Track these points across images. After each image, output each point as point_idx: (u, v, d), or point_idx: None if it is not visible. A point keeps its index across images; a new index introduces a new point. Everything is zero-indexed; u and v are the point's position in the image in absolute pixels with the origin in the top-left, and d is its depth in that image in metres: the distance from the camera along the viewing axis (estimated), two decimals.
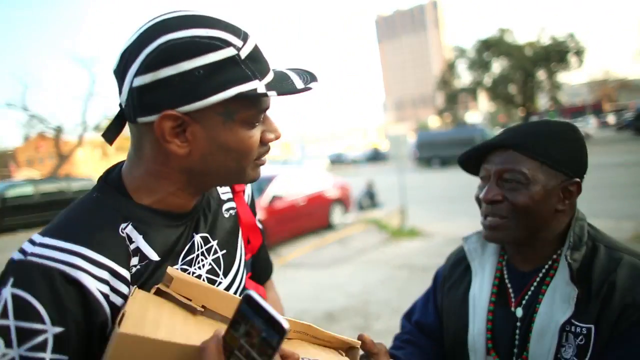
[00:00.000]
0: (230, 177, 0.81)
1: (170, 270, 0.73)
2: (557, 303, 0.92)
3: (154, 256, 0.77)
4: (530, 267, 1.02)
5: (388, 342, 3.83)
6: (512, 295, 1.02)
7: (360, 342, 0.89)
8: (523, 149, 0.95)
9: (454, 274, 1.16)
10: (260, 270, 1.10)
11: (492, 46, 35.17)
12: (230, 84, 0.70)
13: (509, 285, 1.04)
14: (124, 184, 0.79)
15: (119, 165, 0.84)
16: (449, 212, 10.22)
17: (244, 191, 1.03)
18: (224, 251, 0.90)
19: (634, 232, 6.04)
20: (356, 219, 10.52)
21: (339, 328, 4.43)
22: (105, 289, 0.69)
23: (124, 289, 0.72)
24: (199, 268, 0.84)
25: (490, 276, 1.06)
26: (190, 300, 0.74)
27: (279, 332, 0.56)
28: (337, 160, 40.88)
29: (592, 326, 0.87)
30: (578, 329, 0.88)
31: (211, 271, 0.86)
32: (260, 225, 1.09)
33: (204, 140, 0.73)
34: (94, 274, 0.69)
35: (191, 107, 0.69)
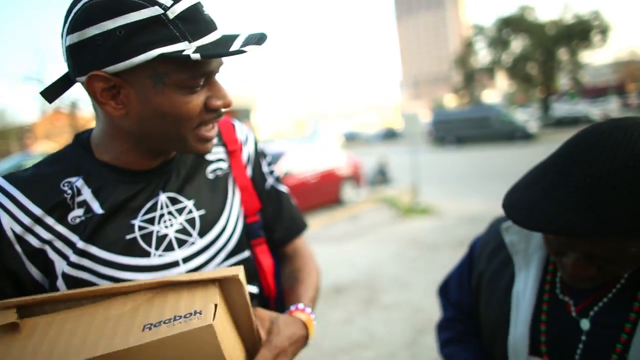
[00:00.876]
0: (173, 144, 0.80)
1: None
2: None
3: (97, 209, 0.79)
4: None
5: (394, 314, 3.82)
6: (570, 301, 0.86)
7: (237, 273, 0.74)
8: (607, 235, 0.68)
9: (492, 264, 1.00)
10: (278, 235, 1.05)
11: (512, 24, 34.28)
12: (153, 45, 0.68)
13: (560, 286, 0.88)
14: (89, 141, 0.83)
15: None
16: (462, 191, 10.14)
17: (240, 150, 0.99)
18: (202, 211, 0.88)
19: None
20: (367, 196, 10.48)
21: (346, 300, 4.45)
22: (20, 230, 0.74)
23: (47, 236, 0.76)
24: (166, 227, 0.83)
25: (538, 274, 0.91)
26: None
27: None
28: (352, 138, 40.73)
29: None
30: None
31: (182, 231, 0.85)
32: (274, 187, 1.04)
33: (138, 104, 0.73)
34: (15, 216, 0.74)
35: (116, 68, 0.69)
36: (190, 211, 0.86)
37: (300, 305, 0.92)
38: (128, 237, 0.80)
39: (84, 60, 0.69)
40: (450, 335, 1.12)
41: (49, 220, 0.76)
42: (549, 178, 0.73)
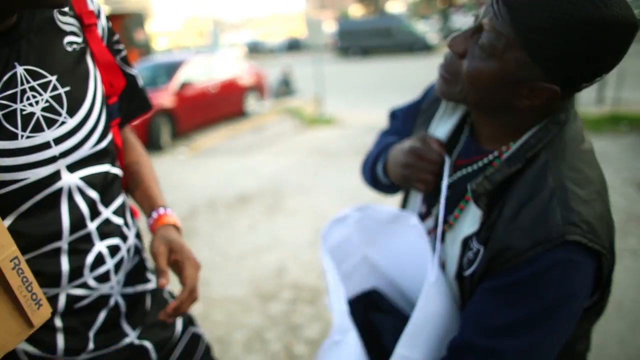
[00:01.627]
0: None
1: None
2: (469, 214, 0.83)
3: None
4: (485, 146, 0.87)
5: (297, 218, 3.96)
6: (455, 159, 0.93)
7: None
8: (515, 16, 0.68)
9: (430, 109, 1.03)
10: (127, 111, 1.01)
11: None
12: None
13: (457, 146, 0.93)
14: None
15: None
16: (367, 102, 10.36)
17: (95, 25, 0.88)
18: (67, 88, 0.80)
19: None
20: (272, 108, 10.36)
21: (251, 208, 4.52)
22: None
23: None
24: (31, 105, 0.75)
25: (450, 129, 0.95)
26: None
27: None
28: (255, 49, 39.08)
29: (482, 248, 0.79)
30: (472, 244, 0.81)
31: (49, 109, 0.77)
32: (126, 70, 0.97)
33: None
34: None
35: None
36: (56, 87, 0.78)
37: (161, 210, 0.97)
38: None
39: None
40: (391, 140, 1.14)
41: None
42: None
